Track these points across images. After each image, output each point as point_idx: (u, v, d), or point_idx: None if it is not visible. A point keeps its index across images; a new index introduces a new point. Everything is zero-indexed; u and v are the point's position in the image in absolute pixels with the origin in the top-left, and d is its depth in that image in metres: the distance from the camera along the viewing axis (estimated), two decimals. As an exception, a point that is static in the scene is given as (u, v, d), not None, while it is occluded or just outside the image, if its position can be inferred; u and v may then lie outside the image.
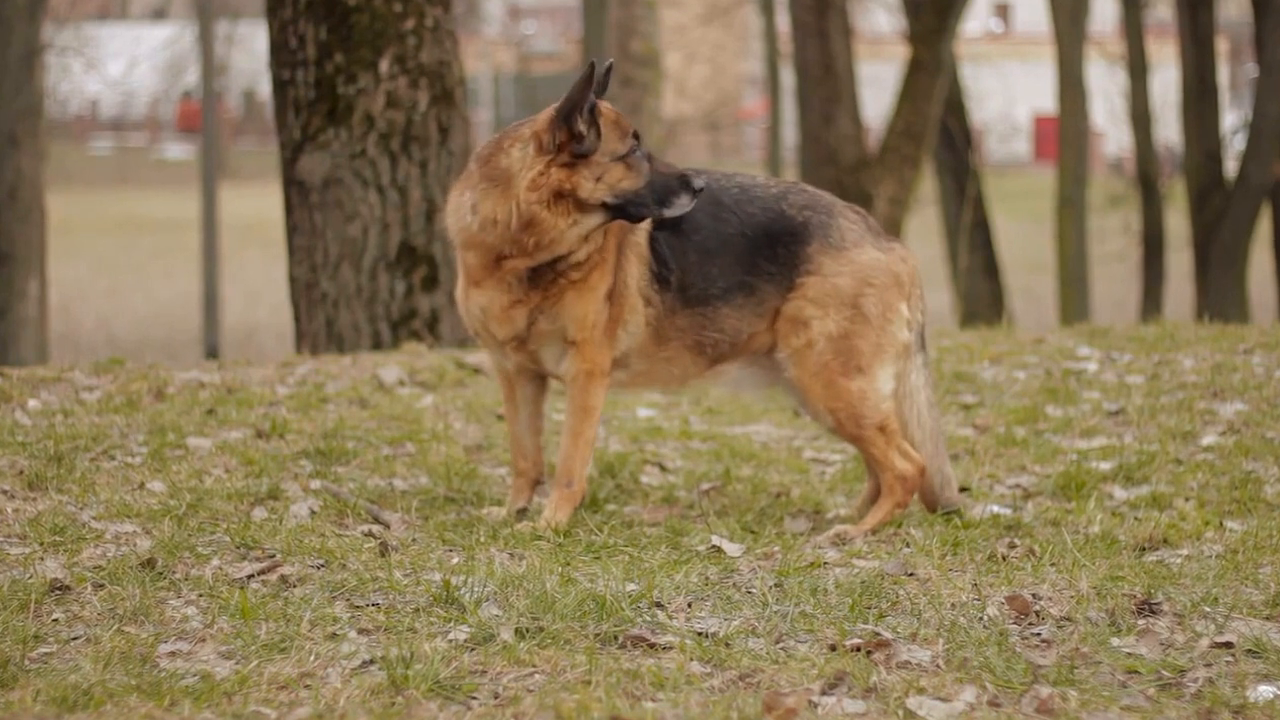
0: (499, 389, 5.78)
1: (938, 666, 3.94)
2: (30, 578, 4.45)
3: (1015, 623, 4.28)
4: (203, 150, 23.66)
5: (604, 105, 5.23)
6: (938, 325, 11.54)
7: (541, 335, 5.36)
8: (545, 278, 5.28)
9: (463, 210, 5.29)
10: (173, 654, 3.97)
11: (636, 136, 5.24)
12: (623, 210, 5.21)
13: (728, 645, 4.07)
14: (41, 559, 4.67)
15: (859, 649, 4.01)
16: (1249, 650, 4.04)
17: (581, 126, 5.16)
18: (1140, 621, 4.26)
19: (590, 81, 5.15)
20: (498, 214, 5.21)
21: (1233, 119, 26.27)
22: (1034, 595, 4.44)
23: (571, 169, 5.16)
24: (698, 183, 5.22)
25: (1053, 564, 4.85)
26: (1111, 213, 26.31)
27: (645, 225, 5.38)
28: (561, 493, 5.40)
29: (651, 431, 6.87)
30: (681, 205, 5.22)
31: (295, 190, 9.02)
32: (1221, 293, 19.67)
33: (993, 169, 33.42)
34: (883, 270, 5.46)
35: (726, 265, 5.41)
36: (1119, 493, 5.84)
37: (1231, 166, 21.01)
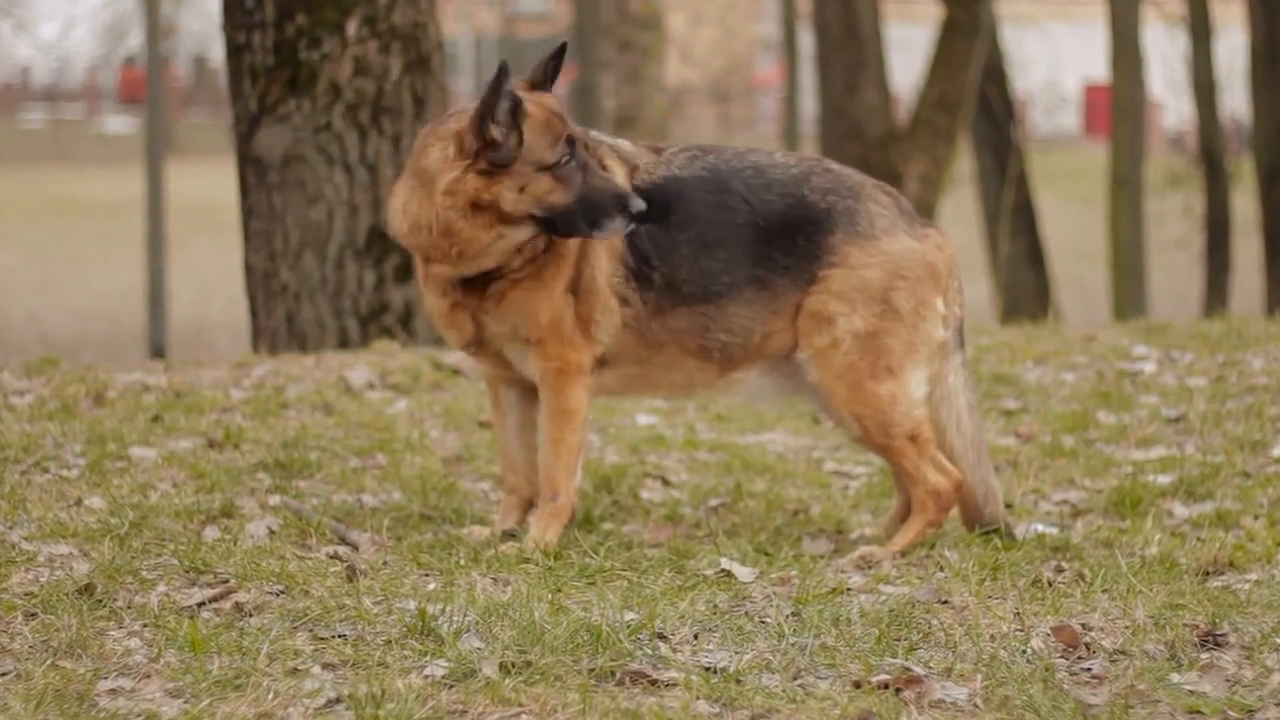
0: (483, 392, 5.78)
1: (975, 706, 3.95)
2: (-47, 606, 4.46)
3: (1063, 656, 4.29)
4: (147, 123, 23.66)
5: (535, 105, 5.17)
6: (976, 320, 11.54)
7: (496, 338, 5.37)
8: (478, 282, 5.29)
9: (395, 208, 5.35)
10: (114, 692, 3.98)
11: (571, 141, 5.16)
12: (553, 225, 5.19)
13: (739, 682, 4.07)
14: (-34, 584, 4.68)
15: (887, 686, 4.02)
16: (1326, 687, 4.05)
17: (496, 133, 5.11)
18: (1203, 655, 4.27)
19: (503, 80, 5.09)
20: (421, 217, 5.23)
21: (1308, 88, 26.23)
22: (1084, 625, 4.45)
23: (490, 177, 5.13)
24: (635, 205, 5.15)
25: (1105, 590, 4.86)
26: (1171, 194, 26.32)
27: None
28: (547, 508, 5.40)
29: (653, 441, 6.87)
30: (614, 228, 5.17)
31: (251, 168, 9.02)
32: (1294, 284, 19.66)
33: (1038, 144, 33.44)
34: (916, 260, 5.46)
35: (732, 258, 5.39)
36: (1179, 510, 5.84)
37: (1306, 141, 21.01)
